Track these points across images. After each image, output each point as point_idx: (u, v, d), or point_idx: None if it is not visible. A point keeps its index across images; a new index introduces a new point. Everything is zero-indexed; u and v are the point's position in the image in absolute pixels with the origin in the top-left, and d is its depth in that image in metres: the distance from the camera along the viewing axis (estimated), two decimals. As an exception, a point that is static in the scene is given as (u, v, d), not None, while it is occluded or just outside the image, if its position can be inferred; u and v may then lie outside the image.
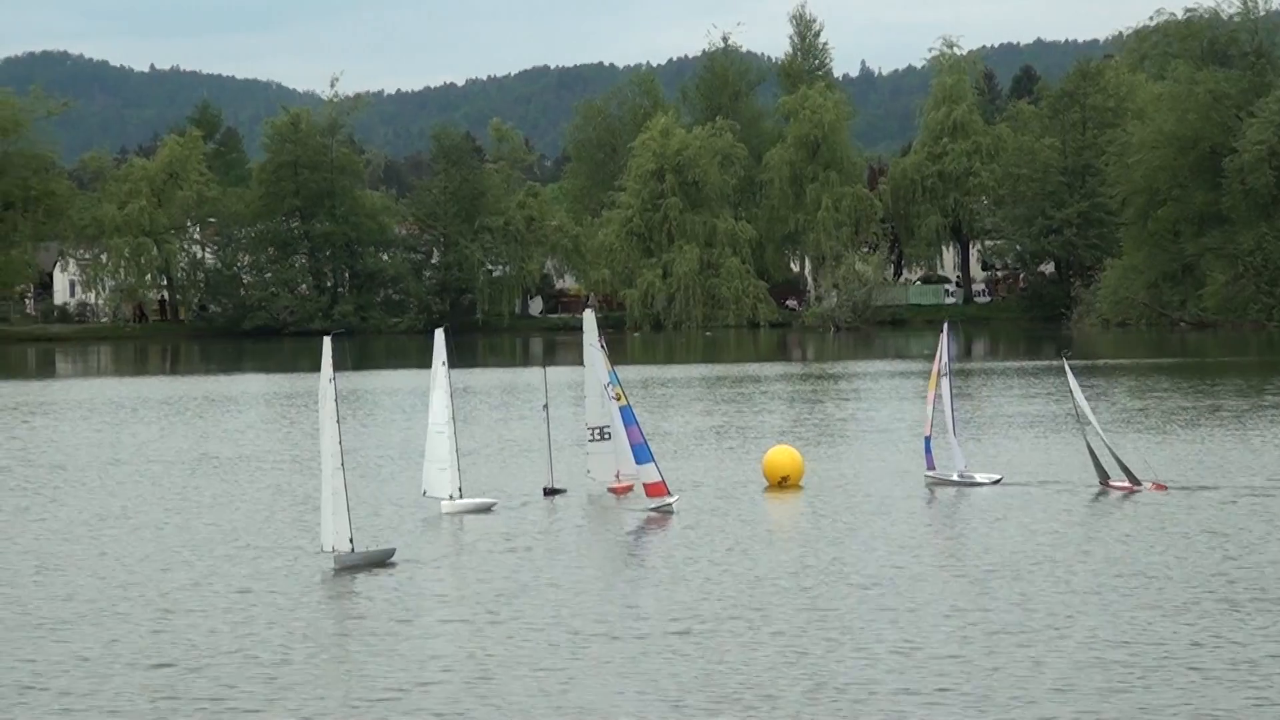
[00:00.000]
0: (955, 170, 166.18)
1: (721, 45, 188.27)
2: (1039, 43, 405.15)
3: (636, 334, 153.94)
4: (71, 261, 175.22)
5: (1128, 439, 47.54)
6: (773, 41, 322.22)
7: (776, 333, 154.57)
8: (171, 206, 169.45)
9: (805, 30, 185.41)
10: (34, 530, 33.92)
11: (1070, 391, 38.32)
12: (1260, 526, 31.44)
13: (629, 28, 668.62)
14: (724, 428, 54.28)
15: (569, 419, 56.69)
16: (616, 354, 36.52)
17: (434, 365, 35.27)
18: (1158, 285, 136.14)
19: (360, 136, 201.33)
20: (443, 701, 19.64)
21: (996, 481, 38.07)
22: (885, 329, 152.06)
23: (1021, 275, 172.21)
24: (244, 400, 73.54)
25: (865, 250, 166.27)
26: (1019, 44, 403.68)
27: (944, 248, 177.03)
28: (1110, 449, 37.32)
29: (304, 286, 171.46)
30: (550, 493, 37.29)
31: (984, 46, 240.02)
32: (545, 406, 39.13)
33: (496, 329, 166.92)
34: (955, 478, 38.15)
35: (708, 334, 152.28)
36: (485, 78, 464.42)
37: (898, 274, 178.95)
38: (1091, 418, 37.61)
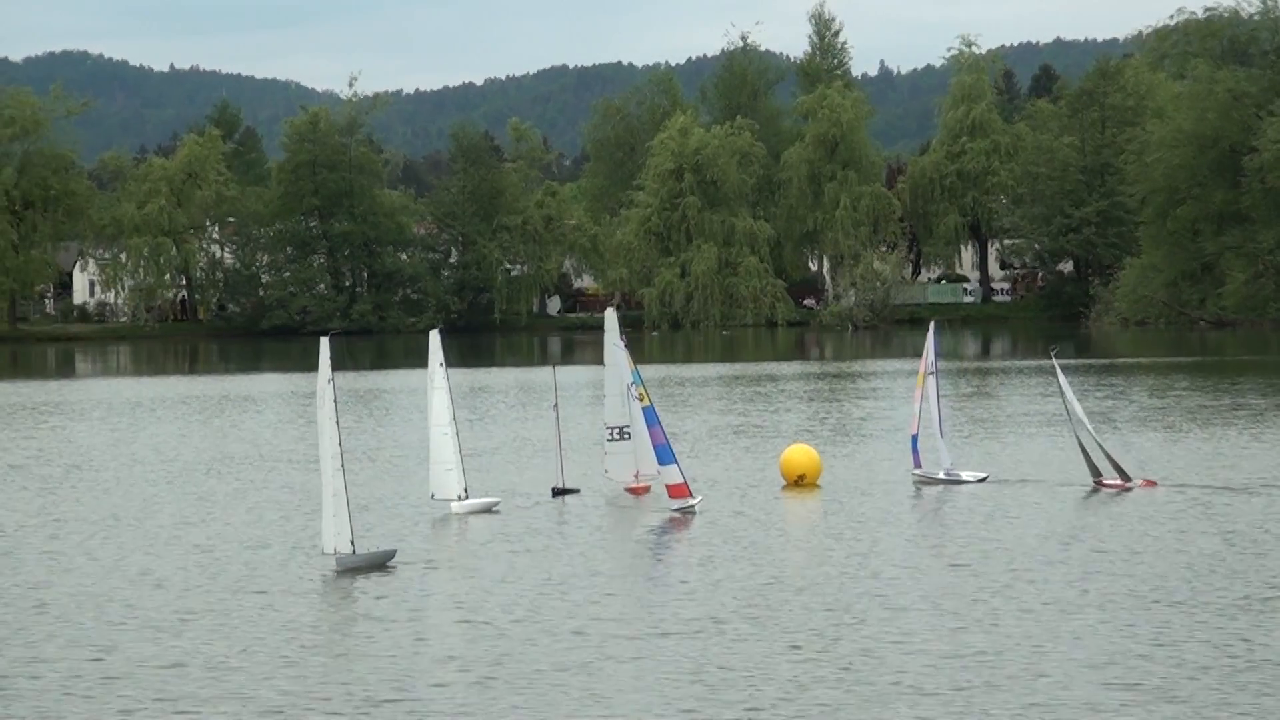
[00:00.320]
0: (974, 169, 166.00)
1: (740, 44, 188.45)
2: (1058, 42, 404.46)
3: (655, 333, 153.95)
4: (91, 261, 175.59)
5: (1132, 436, 47.63)
6: (791, 41, 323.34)
7: (794, 332, 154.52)
8: (190, 206, 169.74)
9: (824, 29, 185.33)
10: (50, 529, 33.97)
11: (1060, 390, 38.36)
12: (1244, 523, 31.51)
13: (648, 27, 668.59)
14: (742, 427, 54.25)
15: (584, 418, 56.71)
16: (634, 353, 36.37)
17: (431, 366, 35.02)
18: (1177, 284, 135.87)
19: (379, 136, 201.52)
20: (447, 703, 19.59)
21: (982, 480, 38.13)
22: (903, 328, 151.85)
23: (1040, 274, 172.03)
24: (262, 399, 73.65)
25: (883, 249, 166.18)
26: (1038, 43, 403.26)
27: (962, 247, 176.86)
28: (1101, 446, 37.34)
29: (322, 286, 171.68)
30: (559, 493, 37.17)
31: (1003, 45, 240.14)
32: (555, 406, 39.03)
33: (514, 328, 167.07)
34: (942, 475, 38.23)
35: (725, 333, 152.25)
36: (504, 77, 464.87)
37: (916, 273, 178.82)
38: (1082, 415, 37.63)
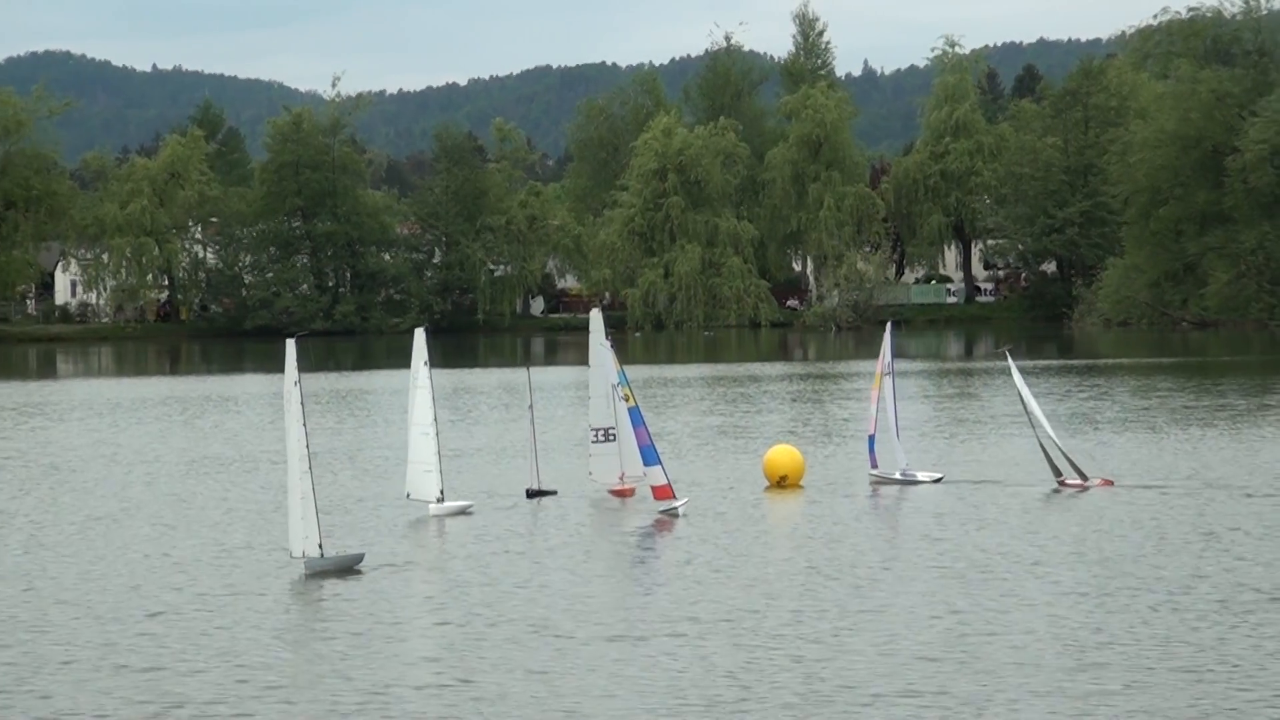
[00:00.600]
0: (957, 169, 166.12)
1: (724, 44, 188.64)
2: (1041, 42, 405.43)
3: (638, 334, 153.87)
4: (73, 261, 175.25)
5: (1111, 436, 47.73)
6: (775, 41, 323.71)
7: (778, 332, 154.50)
8: (173, 206, 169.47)
9: (808, 29, 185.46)
10: (27, 530, 33.82)
11: (1016, 389, 38.58)
12: (1198, 521, 31.73)
13: (631, 27, 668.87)
14: (725, 427, 54.17)
15: (566, 419, 56.62)
16: (618, 354, 36.27)
17: (414, 365, 34.77)
18: (1159, 284, 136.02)
19: (362, 136, 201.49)
20: (416, 707, 19.46)
21: (938, 480, 38.25)
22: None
23: (1023, 274, 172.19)
24: (244, 400, 73.47)
25: (867, 250, 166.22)
26: (1021, 43, 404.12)
27: (946, 247, 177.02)
28: (1058, 446, 37.46)
29: (305, 286, 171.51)
30: (535, 494, 36.95)
31: (986, 45, 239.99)
32: (530, 407, 38.87)
33: (498, 329, 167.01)
34: (898, 476, 38.30)
35: (707, 334, 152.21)
36: (488, 77, 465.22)
37: (899, 273, 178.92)
38: (1039, 415, 37.76)
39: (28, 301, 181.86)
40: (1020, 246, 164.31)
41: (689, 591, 25.86)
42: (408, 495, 34.81)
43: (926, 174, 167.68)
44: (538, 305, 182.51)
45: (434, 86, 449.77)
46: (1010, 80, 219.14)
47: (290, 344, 28.11)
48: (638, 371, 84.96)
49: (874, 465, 38.99)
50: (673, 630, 23.06)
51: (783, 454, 38.83)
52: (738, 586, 26.16)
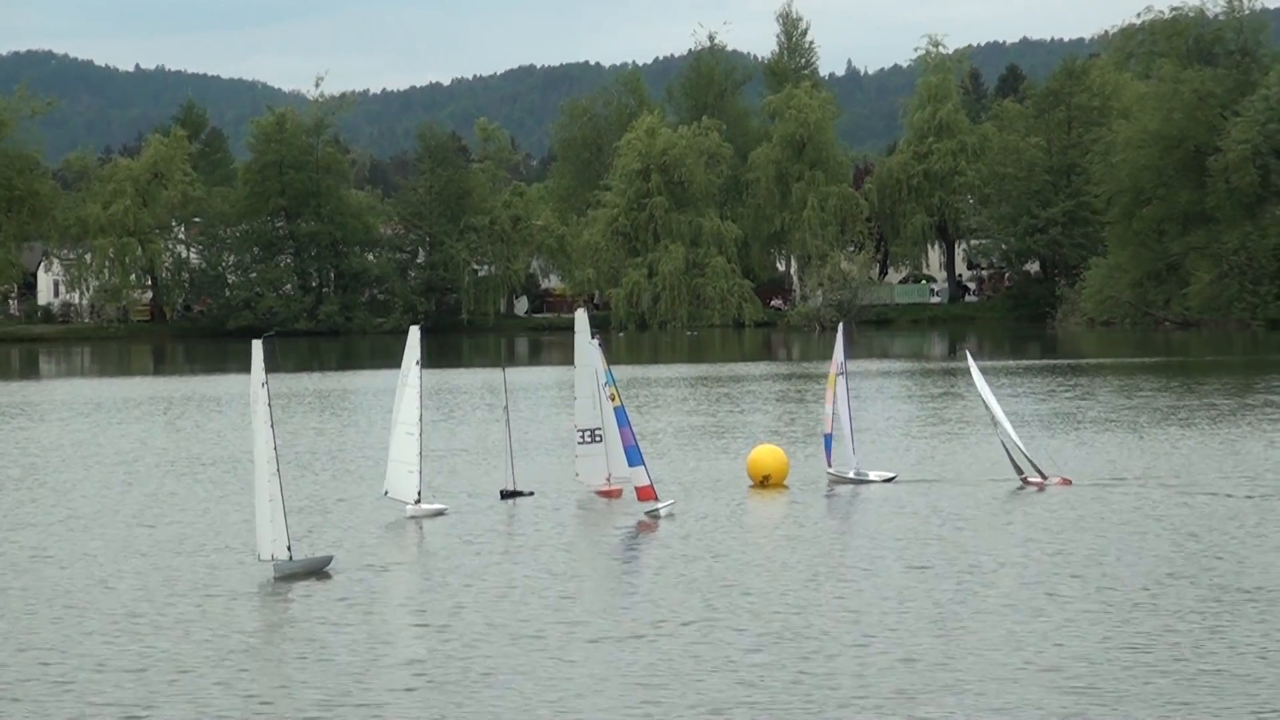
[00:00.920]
0: (941, 169, 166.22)
1: (708, 44, 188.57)
2: (1025, 41, 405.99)
3: (622, 333, 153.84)
4: (55, 262, 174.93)
5: (1074, 436, 47.90)
6: (759, 40, 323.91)
7: (762, 332, 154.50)
8: (156, 206, 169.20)
9: (791, 29, 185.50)
10: (2, 530, 33.73)
11: (976, 388, 38.89)
12: (1151, 518, 31.92)
13: (615, 27, 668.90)
14: (709, 427, 54.16)
15: (547, 419, 56.58)
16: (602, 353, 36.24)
17: (406, 363, 34.60)
18: (1142, 284, 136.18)
19: (345, 136, 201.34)
20: (387, 710, 19.42)
21: (890, 479, 38.43)
22: (870, 328, 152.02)
23: (1007, 274, 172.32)
24: (226, 401, 73.33)
25: (851, 249, 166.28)
26: (1005, 43, 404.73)
27: (929, 247, 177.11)
28: (1018, 444, 37.66)
29: (289, 286, 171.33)
30: (509, 495, 36.82)
31: (970, 45, 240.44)
32: (505, 408, 38.77)
33: (482, 329, 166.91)
34: (851, 475, 38.46)
35: (690, 333, 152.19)
36: (471, 77, 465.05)
37: (883, 273, 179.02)
38: (998, 414, 37.98)
39: (10, 302, 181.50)
40: (1003, 246, 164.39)
41: (670, 592, 25.83)
42: (385, 493, 34.70)
43: (910, 174, 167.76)
44: (521, 305, 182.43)
45: (417, 86, 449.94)
46: (993, 80, 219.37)
47: (256, 345, 27.96)
48: (621, 372, 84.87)
49: (830, 464, 39.20)
50: (654, 631, 23.03)
51: (766, 454, 38.87)
52: (720, 586, 26.14)
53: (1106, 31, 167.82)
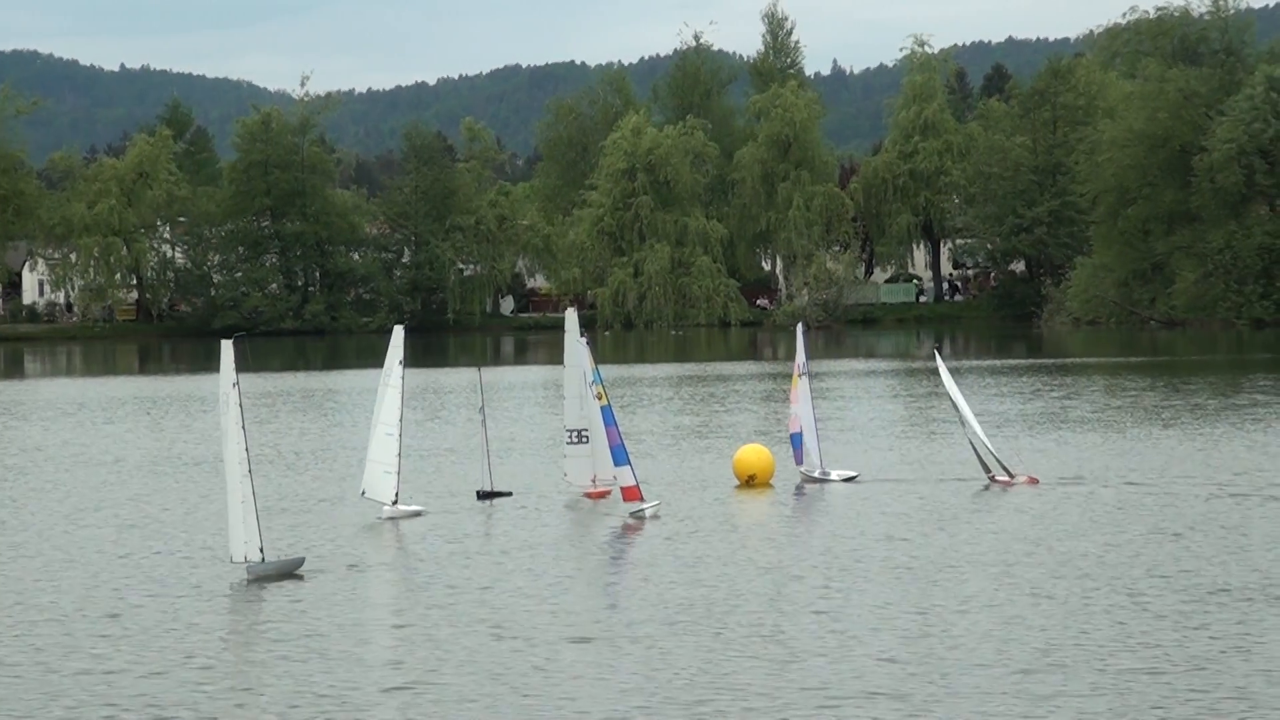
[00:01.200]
0: (926, 169, 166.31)
1: (693, 44, 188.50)
2: (1010, 41, 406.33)
3: (607, 333, 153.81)
4: (40, 261, 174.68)
5: (1051, 435, 48.01)
6: (744, 40, 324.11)
7: (747, 331, 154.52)
8: (141, 206, 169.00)
9: (777, 29, 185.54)
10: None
11: (944, 386, 39.10)
12: (1123, 517, 32.08)
13: (600, 27, 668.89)
14: (695, 426, 54.14)
15: (532, 419, 56.51)
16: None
17: (389, 363, 34.35)
18: (1128, 284, 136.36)
19: (331, 136, 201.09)
20: (362, 712, 19.38)
21: (852, 479, 38.61)
22: (856, 328, 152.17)
23: (992, 274, 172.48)
24: (211, 400, 73.12)
25: (836, 249, 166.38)
26: (990, 42, 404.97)
27: (915, 246, 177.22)
28: (986, 443, 37.77)
29: (274, 286, 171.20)
30: (486, 496, 36.72)
31: (955, 45, 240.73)
32: (481, 409, 38.64)
33: (468, 328, 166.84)
34: (816, 474, 38.66)
35: (674, 333, 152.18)
36: (456, 77, 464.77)
37: (869, 273, 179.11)
38: (967, 413, 38.14)
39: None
40: (989, 246, 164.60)
41: (653, 592, 25.79)
42: (363, 493, 34.53)
43: (895, 173, 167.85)
44: (507, 305, 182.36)
45: (403, 86, 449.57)
46: (979, 79, 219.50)
47: (226, 345, 27.68)
48: (606, 371, 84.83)
49: (799, 462, 39.29)
50: (637, 632, 22.99)
51: (752, 453, 38.89)
52: (704, 586, 26.10)
53: (1092, 31, 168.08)
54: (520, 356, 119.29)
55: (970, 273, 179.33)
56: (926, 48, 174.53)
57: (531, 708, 19.22)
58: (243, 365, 27.95)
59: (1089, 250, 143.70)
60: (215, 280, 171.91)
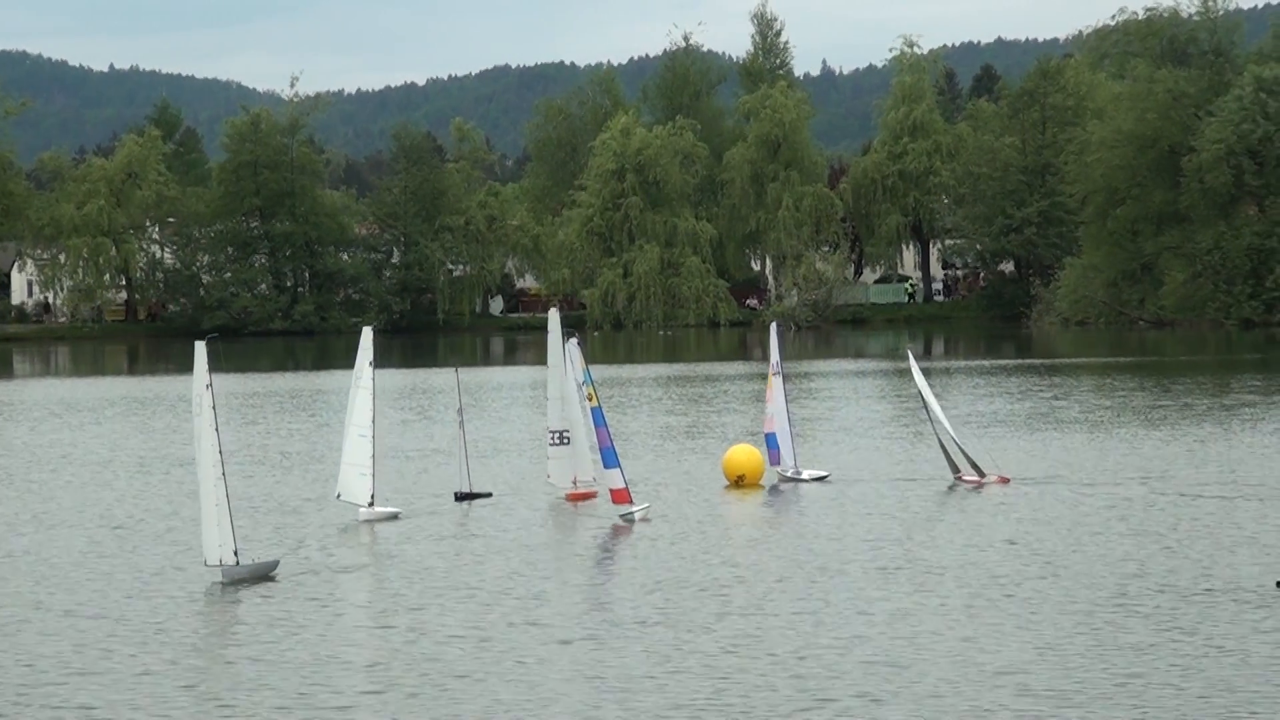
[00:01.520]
0: (915, 169, 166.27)
1: (682, 45, 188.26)
2: (999, 41, 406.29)
3: (597, 333, 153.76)
4: (29, 261, 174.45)
5: (1028, 434, 48.13)
6: (734, 41, 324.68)
7: (737, 332, 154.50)
8: (130, 206, 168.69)
9: (766, 29, 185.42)
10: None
11: (917, 387, 39.27)
12: (1081, 516, 32.26)
13: (590, 27, 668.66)
14: (684, 427, 54.14)
15: (517, 420, 56.48)
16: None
17: (358, 365, 34.18)
18: (1117, 284, 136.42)
19: (320, 136, 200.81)
20: (341, 714, 19.34)
21: (823, 478, 38.75)
22: (845, 328, 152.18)
23: (981, 274, 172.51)
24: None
25: (826, 249, 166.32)
26: (979, 43, 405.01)
27: (904, 247, 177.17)
28: (957, 443, 37.89)
29: (264, 286, 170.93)
30: (464, 497, 36.62)
31: (945, 45, 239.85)
32: (459, 410, 38.60)
33: (457, 328, 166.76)
34: (789, 474, 38.89)
35: (662, 333, 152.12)
36: (446, 77, 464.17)
37: (858, 273, 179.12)
38: (939, 412, 38.33)
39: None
40: (978, 246, 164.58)
41: (640, 592, 25.77)
42: (339, 496, 34.43)
43: (885, 174, 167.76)
44: (497, 305, 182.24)
45: (392, 86, 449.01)
46: (968, 80, 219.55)
47: (200, 346, 27.56)
48: (596, 371, 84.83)
49: (775, 462, 39.37)
50: (622, 632, 22.97)
51: (741, 453, 38.97)
52: (692, 586, 26.09)
53: (1081, 32, 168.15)
54: (510, 357, 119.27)
55: (959, 273, 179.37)
56: (916, 48, 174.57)
57: (513, 709, 19.19)
58: (216, 366, 27.84)
59: (1078, 251, 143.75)
60: (204, 281, 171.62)
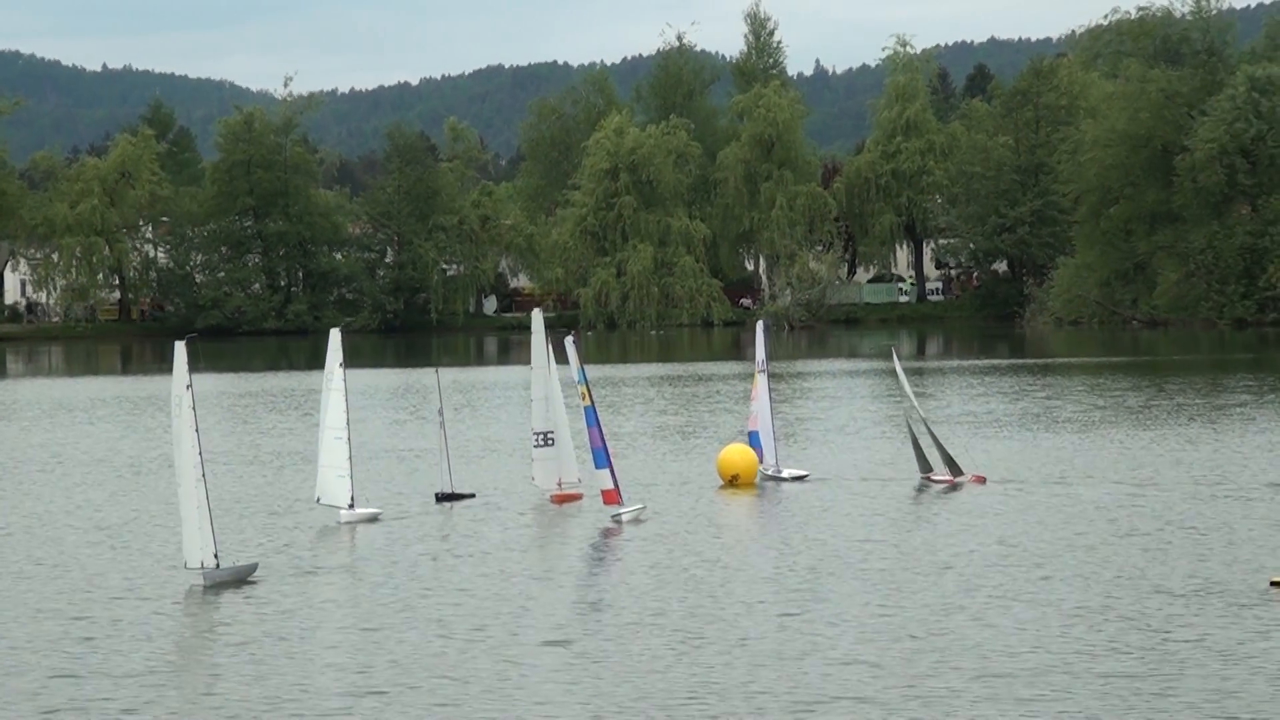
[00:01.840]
0: (909, 169, 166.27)
1: (676, 44, 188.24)
2: (993, 41, 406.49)
3: (590, 333, 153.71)
4: (22, 261, 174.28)
5: (1000, 434, 48.19)
6: (727, 40, 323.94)
7: (730, 331, 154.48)
8: (124, 206, 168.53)
9: (759, 29, 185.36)
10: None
11: (900, 384, 39.53)
12: (1072, 516, 32.35)
13: (583, 27, 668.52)
14: (678, 427, 54.11)
15: (507, 420, 56.42)
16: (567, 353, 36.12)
17: (328, 366, 33.96)
18: (1110, 283, 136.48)
19: (314, 136, 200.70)
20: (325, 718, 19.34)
21: (801, 478, 38.88)
22: (839, 328, 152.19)
23: (975, 274, 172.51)
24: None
25: (819, 249, 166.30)
26: (973, 42, 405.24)
27: (898, 246, 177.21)
28: (937, 441, 37.95)
29: (257, 286, 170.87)
30: (445, 498, 36.54)
31: (938, 45, 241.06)
32: (440, 410, 38.54)
33: (451, 328, 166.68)
34: (769, 472, 38.96)
35: (654, 332, 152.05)
36: (439, 77, 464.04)
37: (851, 272, 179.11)
38: (918, 410, 38.49)
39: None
40: (972, 246, 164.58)
41: (629, 593, 25.74)
42: (318, 500, 34.33)
43: (878, 173, 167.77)
44: (490, 305, 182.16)
45: (386, 86, 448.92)
46: (961, 80, 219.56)
47: (179, 346, 27.40)
48: (589, 371, 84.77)
49: (761, 459, 39.46)
50: (615, 633, 22.95)
51: (736, 453, 38.98)
52: (684, 586, 26.07)
53: (1074, 31, 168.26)
54: (503, 356, 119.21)
55: (953, 272, 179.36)
56: (909, 48, 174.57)
57: (496, 712, 19.18)
58: (197, 366, 27.76)
59: (1071, 250, 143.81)
60: (198, 280, 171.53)
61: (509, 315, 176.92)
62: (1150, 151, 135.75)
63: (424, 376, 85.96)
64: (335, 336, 34.21)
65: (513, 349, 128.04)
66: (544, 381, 35.97)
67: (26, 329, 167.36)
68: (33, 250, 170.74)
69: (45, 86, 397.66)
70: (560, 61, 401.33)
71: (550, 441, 35.86)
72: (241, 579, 27.50)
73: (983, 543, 29.73)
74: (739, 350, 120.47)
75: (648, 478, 39.81)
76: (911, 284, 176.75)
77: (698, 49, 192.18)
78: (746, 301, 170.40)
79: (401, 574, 27.88)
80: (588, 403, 34.25)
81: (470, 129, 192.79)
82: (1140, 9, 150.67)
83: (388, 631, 23.43)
